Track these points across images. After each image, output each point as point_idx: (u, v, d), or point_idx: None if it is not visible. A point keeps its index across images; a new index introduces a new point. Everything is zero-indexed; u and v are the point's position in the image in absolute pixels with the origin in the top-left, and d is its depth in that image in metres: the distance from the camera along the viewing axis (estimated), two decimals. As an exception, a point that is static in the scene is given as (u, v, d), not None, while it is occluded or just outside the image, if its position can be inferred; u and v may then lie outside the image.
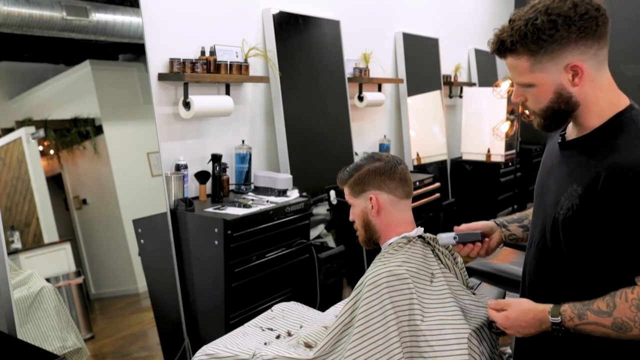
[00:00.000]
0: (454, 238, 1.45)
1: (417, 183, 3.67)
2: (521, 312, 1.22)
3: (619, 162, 1.08)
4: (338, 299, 2.81)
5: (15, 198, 2.23)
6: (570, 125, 1.26)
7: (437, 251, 1.49)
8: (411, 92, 4.35)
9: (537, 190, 1.35)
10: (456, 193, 4.78)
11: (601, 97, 1.17)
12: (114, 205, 2.58)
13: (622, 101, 1.19)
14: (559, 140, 1.27)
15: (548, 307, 1.18)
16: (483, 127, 4.85)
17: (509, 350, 2.88)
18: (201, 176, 2.64)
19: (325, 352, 1.36)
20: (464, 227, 1.52)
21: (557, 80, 1.15)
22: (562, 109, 1.17)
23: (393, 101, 4.35)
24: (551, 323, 1.16)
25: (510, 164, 4.85)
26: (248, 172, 2.82)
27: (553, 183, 1.25)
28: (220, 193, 2.62)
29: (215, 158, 2.64)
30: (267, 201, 2.55)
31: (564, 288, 1.21)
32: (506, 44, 1.16)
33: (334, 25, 3.51)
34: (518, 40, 1.14)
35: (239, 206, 2.47)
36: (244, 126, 2.99)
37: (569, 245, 1.18)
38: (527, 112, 4.39)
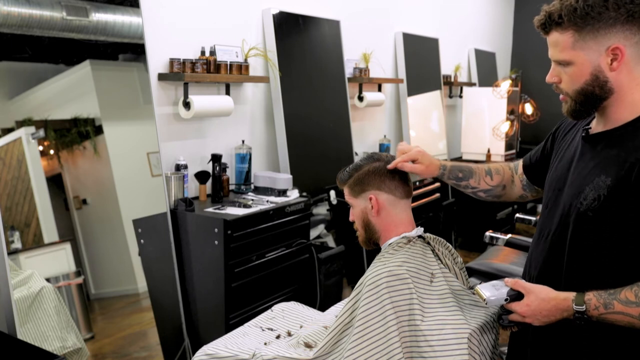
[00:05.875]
0: (505, 300, 1.24)
1: (417, 183, 3.68)
2: (542, 300, 1.18)
3: None
4: (338, 299, 2.81)
5: (15, 198, 2.23)
6: (595, 121, 1.27)
7: (437, 251, 1.49)
8: (411, 92, 4.35)
9: (552, 184, 1.34)
10: (456, 193, 4.78)
11: (636, 91, 1.17)
12: (114, 205, 2.58)
13: None
14: (583, 134, 1.27)
15: (571, 295, 1.16)
16: (483, 127, 4.85)
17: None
18: (201, 176, 2.64)
19: (325, 352, 1.36)
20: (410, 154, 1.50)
21: (596, 61, 1.16)
22: (596, 94, 1.18)
23: (393, 101, 4.35)
24: (574, 311, 1.14)
25: (510, 164, 4.84)
26: (248, 172, 2.82)
27: (575, 176, 1.25)
28: (220, 193, 2.62)
29: (215, 158, 2.64)
30: (267, 201, 2.55)
31: (576, 279, 1.21)
32: (554, 16, 1.17)
33: (334, 25, 3.51)
34: (567, 14, 1.15)
35: (239, 206, 2.47)
36: (244, 126, 2.99)
37: (590, 234, 1.18)
38: (528, 112, 4.40)
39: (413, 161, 1.51)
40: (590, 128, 1.27)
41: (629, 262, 1.14)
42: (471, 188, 1.58)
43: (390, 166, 1.49)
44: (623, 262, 1.15)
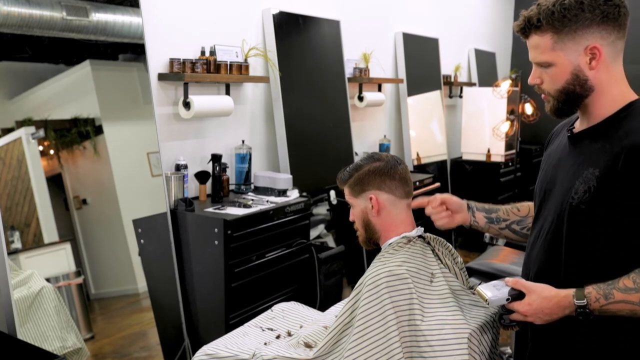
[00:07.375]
0: (507, 299, 1.24)
1: (417, 183, 3.67)
2: (544, 299, 1.18)
3: (639, 142, 1.12)
4: (338, 299, 2.81)
5: (15, 198, 2.23)
6: (578, 122, 1.31)
7: (437, 251, 1.49)
8: (411, 92, 4.35)
9: (542, 186, 1.36)
10: (456, 193, 4.74)
11: (614, 87, 1.22)
12: (114, 205, 2.58)
13: (632, 95, 1.24)
14: (568, 134, 1.30)
15: (571, 291, 1.16)
16: (483, 127, 4.85)
17: (508, 350, 2.88)
18: (201, 176, 2.64)
19: (325, 352, 1.36)
20: (439, 197, 1.58)
21: (576, 61, 1.21)
22: (577, 92, 1.22)
23: (393, 101, 4.35)
24: (576, 307, 1.14)
25: (510, 164, 4.85)
26: (248, 172, 2.82)
27: (564, 174, 1.28)
28: (220, 193, 2.62)
29: (215, 158, 2.64)
30: (267, 201, 2.55)
31: (574, 274, 1.22)
32: (532, 20, 1.22)
33: (334, 25, 3.51)
34: (544, 17, 1.20)
35: (239, 206, 2.47)
36: (244, 126, 2.99)
37: (585, 227, 1.19)
38: (528, 112, 4.40)
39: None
40: (574, 127, 1.31)
41: (626, 252, 1.15)
42: (503, 221, 1.57)
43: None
44: (620, 253, 1.16)
